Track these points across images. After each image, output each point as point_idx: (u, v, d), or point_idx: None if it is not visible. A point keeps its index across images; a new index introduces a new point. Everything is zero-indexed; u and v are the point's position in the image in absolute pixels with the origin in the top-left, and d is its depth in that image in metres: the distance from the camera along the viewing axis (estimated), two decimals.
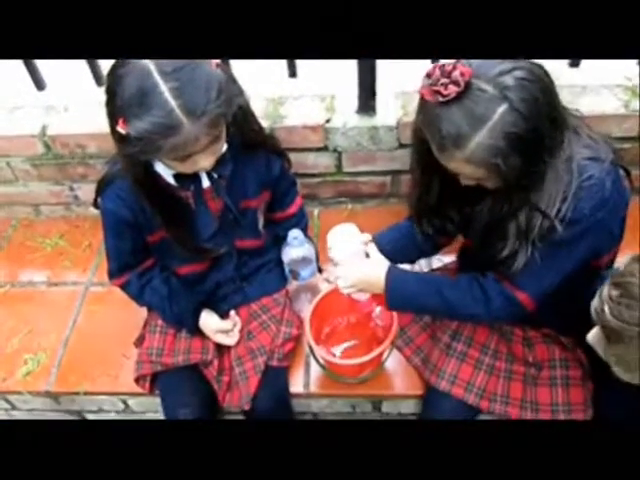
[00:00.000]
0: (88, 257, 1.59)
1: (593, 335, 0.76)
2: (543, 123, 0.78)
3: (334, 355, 1.25)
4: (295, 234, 1.18)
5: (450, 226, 1.06)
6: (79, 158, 1.51)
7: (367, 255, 1.09)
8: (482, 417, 1.18)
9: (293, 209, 1.27)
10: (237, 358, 1.24)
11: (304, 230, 1.28)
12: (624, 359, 0.72)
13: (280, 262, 1.28)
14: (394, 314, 1.14)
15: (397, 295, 1.01)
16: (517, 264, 0.90)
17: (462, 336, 1.19)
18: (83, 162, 1.52)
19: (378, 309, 1.22)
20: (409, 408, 1.32)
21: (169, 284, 1.22)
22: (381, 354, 1.16)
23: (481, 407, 1.14)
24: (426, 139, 0.84)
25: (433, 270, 1.36)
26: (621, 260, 0.78)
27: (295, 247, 1.20)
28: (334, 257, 1.07)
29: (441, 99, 0.77)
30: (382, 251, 1.11)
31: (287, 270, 1.26)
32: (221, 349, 1.28)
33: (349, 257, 1.05)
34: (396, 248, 1.13)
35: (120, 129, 0.84)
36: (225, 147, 1.00)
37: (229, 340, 1.23)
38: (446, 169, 0.87)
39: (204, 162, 0.95)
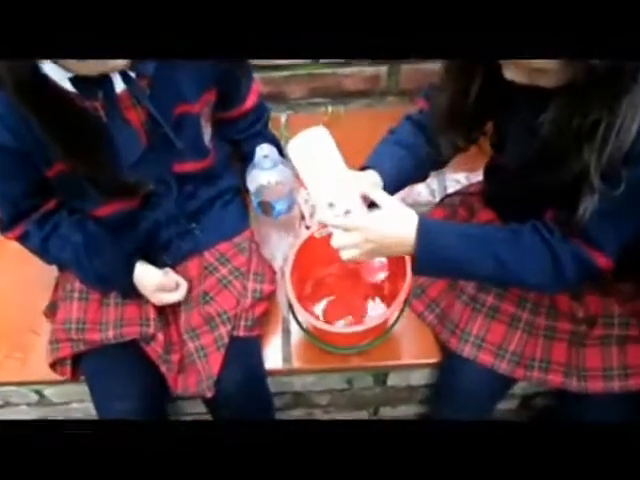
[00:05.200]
0: None
1: None
2: None
3: (317, 316, 1.18)
4: (265, 151, 1.10)
5: (477, 138, 1.02)
6: None
7: (368, 203, 0.94)
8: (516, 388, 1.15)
9: (250, 102, 1.18)
10: (190, 329, 1.13)
11: (265, 127, 1.23)
12: None
13: (239, 191, 1.22)
14: (406, 259, 1.04)
15: (433, 259, 0.90)
16: (584, 205, 0.83)
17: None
18: None
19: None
20: (421, 379, 1.29)
21: (84, 230, 1.09)
22: (389, 315, 1.08)
23: (515, 375, 1.08)
24: None
25: (449, 195, 1.27)
26: None
27: (266, 169, 1.11)
28: (324, 219, 0.92)
29: None
30: (386, 180, 0.99)
31: (255, 202, 1.18)
32: (167, 317, 1.18)
33: (354, 210, 0.90)
34: (402, 171, 1.02)
35: None
36: None
37: (175, 295, 1.12)
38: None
39: None
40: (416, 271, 0.93)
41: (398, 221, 0.90)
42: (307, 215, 1.22)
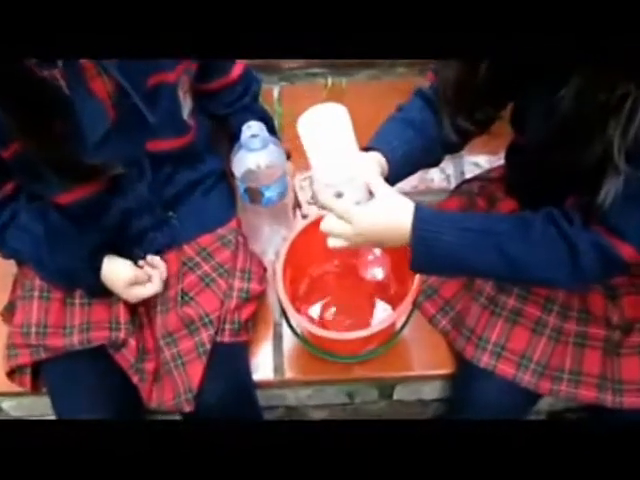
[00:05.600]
0: None
1: None
2: None
3: (313, 320, 1.13)
4: (253, 129, 1.05)
5: (489, 121, 1.00)
6: None
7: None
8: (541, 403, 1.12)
9: (236, 72, 1.17)
10: (167, 334, 1.08)
11: (254, 102, 1.20)
12: None
13: (224, 176, 1.18)
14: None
15: (430, 253, 0.88)
16: (607, 188, 0.81)
17: (514, 285, 1.08)
18: None
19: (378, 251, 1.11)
20: (433, 392, 1.25)
21: (45, 219, 1.07)
22: (396, 319, 1.04)
23: (540, 389, 1.03)
24: None
25: (467, 181, 1.22)
26: None
27: (254, 150, 1.07)
28: (323, 199, 0.88)
29: None
30: (393, 164, 0.96)
31: (241, 189, 1.13)
32: (140, 320, 1.14)
33: (352, 192, 0.88)
34: (411, 154, 0.99)
35: None
36: None
37: (150, 288, 1.07)
38: None
39: None
40: (413, 267, 0.91)
41: (391, 212, 0.88)
42: (304, 203, 1.17)
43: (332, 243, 0.90)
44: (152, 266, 1.11)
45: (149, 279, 1.10)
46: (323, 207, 0.89)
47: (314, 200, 1.04)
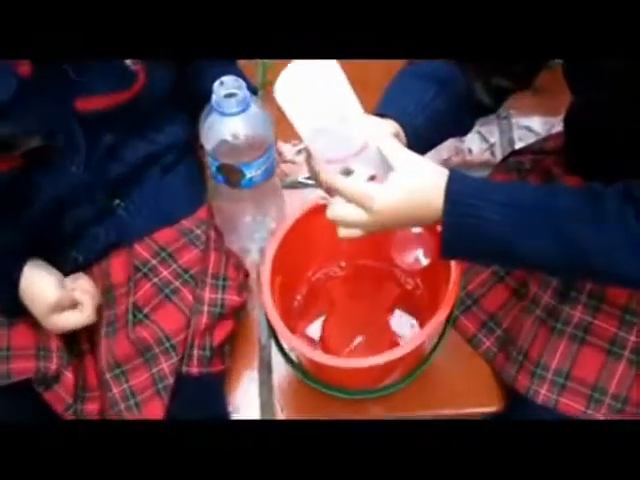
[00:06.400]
0: None
1: None
2: None
3: (313, 342, 1.01)
4: (228, 86, 0.94)
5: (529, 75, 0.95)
6: None
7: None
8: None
9: None
10: (115, 364, 0.95)
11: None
12: None
13: (189, 149, 1.07)
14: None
15: (466, 234, 0.78)
16: None
17: (582, 292, 0.96)
18: None
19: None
20: None
21: None
22: (425, 339, 0.93)
23: None
24: None
25: (515, 153, 1.11)
26: None
27: (229, 115, 0.94)
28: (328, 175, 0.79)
29: None
30: (410, 132, 0.85)
31: (213, 167, 0.99)
32: (79, 346, 1.01)
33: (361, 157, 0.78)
34: (433, 117, 0.88)
35: None
36: None
37: (78, 318, 0.95)
38: None
39: None
40: (444, 252, 0.81)
41: (418, 185, 0.76)
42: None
43: (343, 233, 0.79)
44: (84, 289, 0.99)
45: (77, 306, 0.96)
46: (327, 190, 0.80)
47: (314, 180, 0.88)
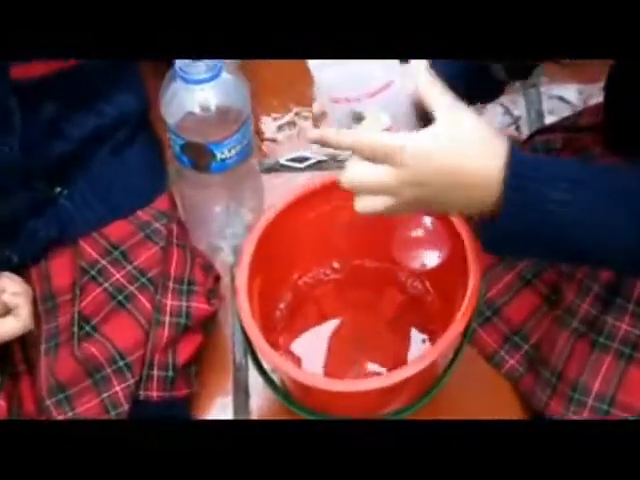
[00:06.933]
0: None
1: None
2: None
3: (299, 360, 0.93)
4: None
5: None
6: None
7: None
8: None
9: None
10: (57, 388, 0.86)
11: None
12: None
13: (147, 123, 0.99)
14: (465, 243, 0.83)
15: (528, 219, 0.66)
16: None
17: (629, 299, 0.85)
18: None
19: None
20: None
21: None
22: (437, 358, 0.83)
23: None
24: None
25: (544, 130, 1.00)
26: None
27: (196, 82, 0.86)
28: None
29: None
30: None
31: (177, 146, 0.91)
32: (13, 365, 0.91)
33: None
34: (467, 73, 0.78)
35: None
36: None
37: (11, 326, 0.87)
38: None
39: None
40: (495, 237, 0.68)
41: (473, 142, 0.65)
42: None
43: (361, 204, 0.68)
44: (16, 292, 0.87)
45: (10, 312, 0.86)
46: (338, 144, 0.68)
47: (317, 136, 0.78)
